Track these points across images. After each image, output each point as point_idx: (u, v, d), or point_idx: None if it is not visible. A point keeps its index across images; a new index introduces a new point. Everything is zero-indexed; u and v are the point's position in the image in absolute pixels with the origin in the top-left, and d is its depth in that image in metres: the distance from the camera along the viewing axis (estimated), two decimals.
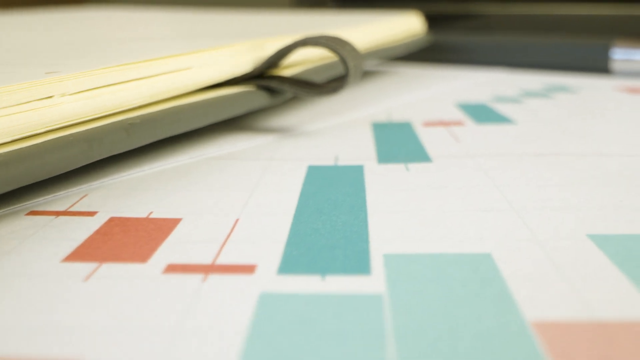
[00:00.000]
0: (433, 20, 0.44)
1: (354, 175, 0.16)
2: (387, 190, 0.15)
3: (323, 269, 0.11)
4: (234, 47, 0.19)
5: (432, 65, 0.37)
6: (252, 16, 0.36)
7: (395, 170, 0.16)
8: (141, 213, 0.13)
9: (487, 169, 0.16)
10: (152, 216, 0.13)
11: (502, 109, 0.24)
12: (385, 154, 0.18)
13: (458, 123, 0.22)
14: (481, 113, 0.23)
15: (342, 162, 0.17)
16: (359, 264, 0.11)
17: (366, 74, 0.34)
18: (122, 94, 0.15)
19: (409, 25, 0.34)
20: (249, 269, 0.11)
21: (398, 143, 0.19)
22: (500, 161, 0.17)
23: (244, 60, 0.19)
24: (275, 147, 0.19)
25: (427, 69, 0.36)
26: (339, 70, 0.24)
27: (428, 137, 0.20)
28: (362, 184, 0.15)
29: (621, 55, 0.32)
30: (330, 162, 0.17)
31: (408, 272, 0.10)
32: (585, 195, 0.14)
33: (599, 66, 0.32)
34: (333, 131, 0.21)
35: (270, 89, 0.20)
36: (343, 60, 0.19)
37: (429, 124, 0.22)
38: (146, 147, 0.18)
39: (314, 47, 0.19)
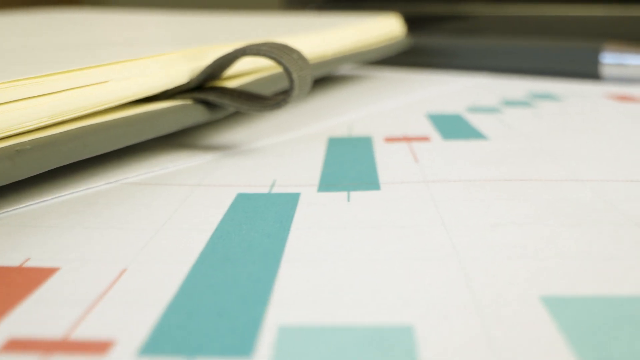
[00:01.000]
0: (421, 22, 0.42)
1: (284, 208, 0.13)
2: (315, 228, 0.12)
3: (196, 347, 0.08)
4: (166, 57, 0.17)
5: (413, 70, 0.34)
6: (220, 18, 0.33)
7: (334, 200, 0.14)
8: (15, 260, 0.11)
9: (440, 201, 0.13)
10: (27, 264, 0.11)
11: (477, 120, 0.22)
12: (330, 179, 0.15)
13: (424, 138, 0.19)
14: (452, 126, 0.21)
15: (277, 189, 0.15)
16: (242, 342, 0.08)
17: (340, 80, 0.31)
18: (10, 115, 0.13)
19: (387, 27, 0.31)
20: (102, 347, 0.08)
21: (349, 164, 0.16)
22: (458, 190, 0.14)
23: (178, 71, 0.17)
24: (210, 168, 0.16)
25: (407, 73, 0.33)
26: None
27: (385, 157, 0.17)
28: (289, 220, 0.13)
29: (611, 59, 0.29)
30: (264, 188, 0.15)
31: (301, 354, 0.08)
32: (548, 238, 0.11)
33: (589, 72, 0.30)
34: (282, 149, 0.18)
35: (209, 103, 0.17)
36: (287, 71, 0.16)
37: (391, 139, 0.19)
38: (54, 170, 0.16)
39: (255, 57, 0.17)
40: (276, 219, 0.13)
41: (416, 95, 0.27)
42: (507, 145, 0.18)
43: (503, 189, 0.14)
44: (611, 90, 0.27)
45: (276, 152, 0.18)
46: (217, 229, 0.12)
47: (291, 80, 0.16)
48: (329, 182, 0.15)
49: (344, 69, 0.35)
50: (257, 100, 0.17)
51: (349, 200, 0.14)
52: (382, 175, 0.15)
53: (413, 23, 0.40)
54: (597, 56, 0.29)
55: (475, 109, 0.24)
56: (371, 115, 0.23)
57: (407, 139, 0.19)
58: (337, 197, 0.14)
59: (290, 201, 0.14)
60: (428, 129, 0.20)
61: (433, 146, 0.18)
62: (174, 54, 0.17)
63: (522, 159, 0.16)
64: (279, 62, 0.16)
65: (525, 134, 0.19)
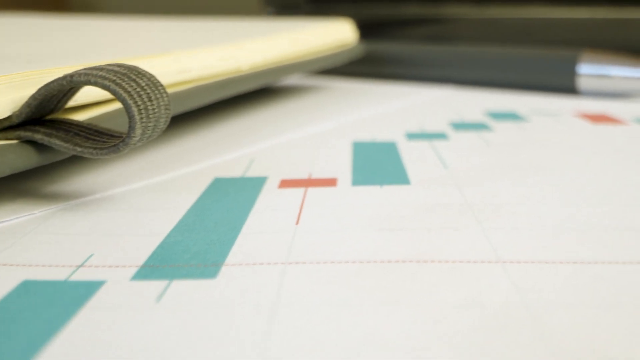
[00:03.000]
0: (387, 26, 0.37)
1: (61, 311, 0.09)
2: (74, 357, 0.08)
3: None
4: None
5: (369, 81, 0.29)
6: (160, 24, 0.29)
7: (140, 299, 0.09)
8: None
9: (283, 305, 0.09)
10: None
11: (411, 153, 0.17)
12: (161, 257, 0.11)
13: (329, 182, 0.15)
14: (374, 162, 0.16)
15: (81, 273, 0.10)
16: None
17: (279, 93, 0.27)
18: None
19: (336, 33, 0.26)
20: None
21: (206, 228, 0.12)
22: (322, 282, 0.10)
23: None
24: (24, 233, 0.12)
25: (361, 84, 0.28)
26: (184, 107, 0.17)
27: (262, 215, 0.13)
28: (46, 337, 0.08)
29: (589, 70, 0.24)
30: (65, 271, 0.10)
31: None
32: None
33: (563, 84, 0.25)
34: (138, 199, 0.14)
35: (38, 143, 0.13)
36: (124, 104, 0.12)
37: (288, 182, 0.15)
38: None
39: (85, 85, 0.12)
40: (33, 335, 0.08)
41: (354, 115, 0.22)
42: (428, 195, 0.13)
43: (388, 280, 0.10)
44: (586, 108, 0.23)
45: (126, 205, 0.13)
46: None
47: (131, 117, 0.12)
48: (156, 262, 0.10)
49: (292, 79, 0.30)
50: (99, 140, 0.13)
51: (159, 299, 0.09)
52: (235, 251, 0.11)
53: (378, 27, 0.35)
54: (573, 67, 0.25)
55: (416, 135, 0.19)
56: (286, 144, 0.18)
57: (308, 183, 0.14)
58: (148, 293, 0.09)
59: (79, 297, 0.09)
60: (342, 167, 0.16)
61: (333, 196, 0.14)
62: None
63: (436, 222, 0.12)
64: (114, 93, 0.12)
65: (460, 175, 0.15)
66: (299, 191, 0.14)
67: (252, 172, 0.15)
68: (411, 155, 0.17)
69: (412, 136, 0.19)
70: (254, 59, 0.20)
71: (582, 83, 0.24)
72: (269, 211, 0.13)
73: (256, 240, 0.11)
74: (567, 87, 0.25)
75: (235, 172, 0.15)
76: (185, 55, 0.17)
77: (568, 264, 0.10)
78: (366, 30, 0.31)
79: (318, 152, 0.17)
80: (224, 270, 0.10)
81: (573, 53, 0.25)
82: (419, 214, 0.12)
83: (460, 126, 0.20)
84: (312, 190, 0.14)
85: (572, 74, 0.25)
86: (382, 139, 0.19)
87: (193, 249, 0.11)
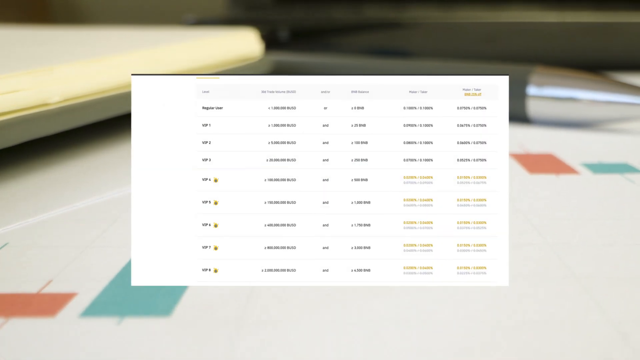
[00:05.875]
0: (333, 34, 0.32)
1: None
2: None
3: None
4: None
5: None
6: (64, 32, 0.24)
7: None
8: None
9: None
10: None
11: None
12: None
13: (52, 306, 0.09)
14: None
15: None
16: None
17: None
18: None
19: (233, 46, 0.21)
20: None
21: None
22: None
23: None
24: None
25: None
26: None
27: None
28: None
29: (540, 92, 0.18)
30: None
31: None
32: None
33: (511, 110, 0.19)
34: None
35: None
36: None
37: None
38: None
39: None
40: None
41: None
42: (181, 343, 0.08)
43: None
44: (531, 144, 0.17)
45: None
46: None
47: None
48: None
49: None
50: None
51: None
52: None
53: (340, 33, 0.30)
54: (522, 88, 0.19)
55: None
56: (66, 217, 0.12)
57: (22, 306, 0.09)
58: None
59: None
60: (106, 269, 0.10)
61: (32, 342, 0.08)
62: None
63: None
64: None
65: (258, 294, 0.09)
66: None
67: None
68: None
69: None
70: (69, 88, 0.15)
71: (532, 108, 0.18)
72: None
73: None
74: (515, 113, 0.19)
75: None
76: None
77: None
78: (333, 34, 0.26)
79: (103, 235, 0.12)
80: None
81: (523, 69, 0.19)
82: None
83: None
84: (13, 325, 0.08)
85: (521, 96, 0.19)
86: None
87: None
